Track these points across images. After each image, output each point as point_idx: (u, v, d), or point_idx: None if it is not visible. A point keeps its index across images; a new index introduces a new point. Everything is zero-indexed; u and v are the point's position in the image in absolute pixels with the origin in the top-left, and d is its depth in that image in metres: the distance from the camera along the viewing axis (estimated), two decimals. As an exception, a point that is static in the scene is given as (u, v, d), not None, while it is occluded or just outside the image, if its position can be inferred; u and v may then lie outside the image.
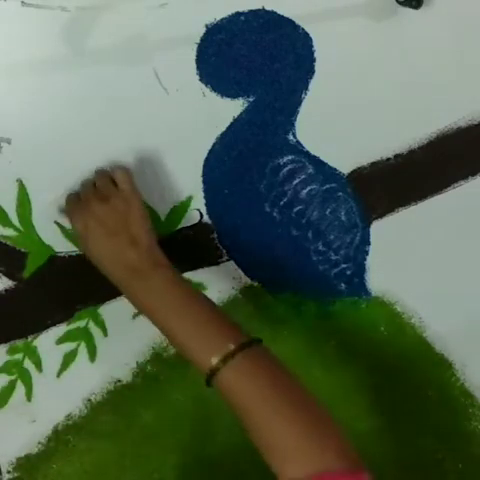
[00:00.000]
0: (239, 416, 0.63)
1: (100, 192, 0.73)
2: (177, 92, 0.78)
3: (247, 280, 0.84)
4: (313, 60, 0.79)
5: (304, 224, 0.83)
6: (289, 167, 0.81)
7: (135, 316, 0.81)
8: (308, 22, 0.78)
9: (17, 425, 0.82)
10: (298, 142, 0.81)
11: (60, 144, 0.77)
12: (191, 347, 0.65)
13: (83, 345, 0.82)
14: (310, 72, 0.79)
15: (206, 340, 0.65)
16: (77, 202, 0.74)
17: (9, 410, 0.82)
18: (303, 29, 0.78)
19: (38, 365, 0.81)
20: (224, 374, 0.63)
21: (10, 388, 0.81)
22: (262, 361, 0.65)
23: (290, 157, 0.81)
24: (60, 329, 0.81)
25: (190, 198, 0.81)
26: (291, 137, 0.80)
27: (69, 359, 0.82)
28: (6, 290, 0.79)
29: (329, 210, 0.83)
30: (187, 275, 0.82)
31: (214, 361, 0.63)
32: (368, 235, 0.84)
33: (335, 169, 0.82)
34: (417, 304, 0.86)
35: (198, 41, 0.77)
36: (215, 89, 0.78)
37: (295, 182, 0.81)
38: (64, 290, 0.80)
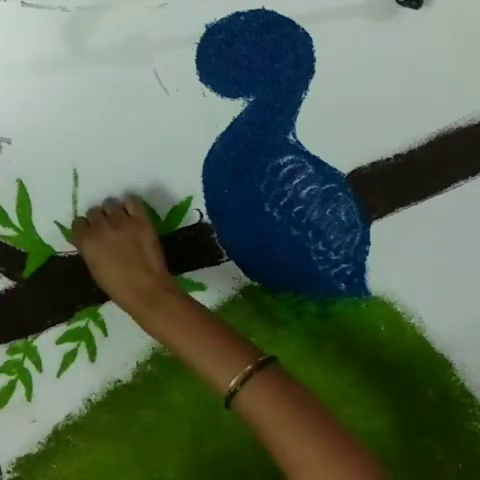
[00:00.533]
0: (260, 438, 0.62)
1: (111, 218, 0.73)
2: (177, 92, 0.78)
3: (247, 280, 0.84)
4: (313, 60, 0.79)
5: (304, 224, 0.83)
6: (289, 167, 0.81)
7: (135, 316, 0.81)
8: (308, 22, 0.78)
9: (17, 425, 0.82)
10: (298, 142, 0.81)
11: (60, 144, 0.77)
12: (208, 371, 0.64)
13: (83, 345, 0.82)
14: (310, 72, 0.79)
15: (223, 363, 0.64)
16: (86, 228, 0.73)
17: (9, 410, 0.82)
18: (303, 29, 0.78)
19: (38, 365, 0.81)
20: (242, 396, 0.62)
21: (10, 388, 0.81)
22: (279, 380, 0.64)
23: (290, 157, 0.81)
24: (60, 329, 0.81)
25: (190, 198, 0.81)
26: (291, 137, 0.80)
27: (69, 359, 0.82)
28: (6, 290, 0.79)
29: (329, 210, 0.83)
30: (187, 275, 0.82)
31: (232, 383, 0.62)
32: (368, 235, 0.84)
33: (335, 169, 0.82)
34: (417, 304, 0.86)
35: (198, 41, 0.77)
36: (215, 89, 0.78)
37: (295, 182, 0.81)
38: (64, 290, 0.80)
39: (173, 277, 0.72)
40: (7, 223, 0.78)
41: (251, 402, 0.62)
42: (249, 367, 0.63)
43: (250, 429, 0.63)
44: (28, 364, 0.81)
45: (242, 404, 0.62)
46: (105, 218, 0.73)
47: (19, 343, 0.81)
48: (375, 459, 0.61)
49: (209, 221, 0.82)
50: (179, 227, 0.81)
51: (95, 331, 0.82)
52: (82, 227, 0.74)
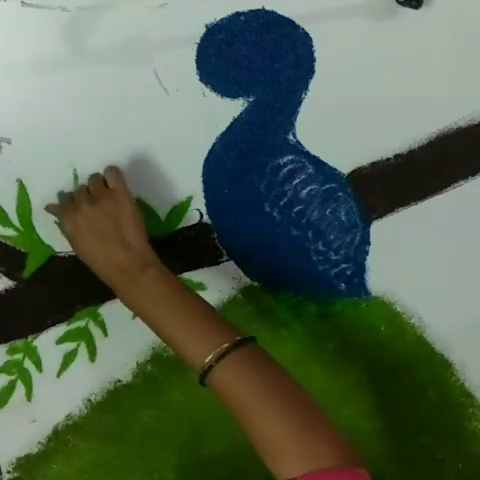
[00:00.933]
0: (233, 413, 0.63)
1: (92, 195, 0.73)
2: (177, 92, 0.78)
3: (247, 280, 0.84)
4: (313, 60, 0.79)
5: (304, 224, 0.83)
6: (289, 167, 0.81)
7: (135, 316, 0.81)
8: (308, 22, 0.78)
9: (17, 425, 0.82)
10: (298, 142, 0.81)
11: (60, 144, 0.77)
12: (184, 345, 0.65)
13: (83, 345, 0.82)
14: (310, 72, 0.79)
15: (199, 338, 0.65)
16: (69, 204, 0.74)
17: (9, 410, 0.82)
18: (303, 29, 0.78)
19: (38, 365, 0.81)
20: (216, 372, 0.63)
21: (10, 388, 0.81)
22: (255, 359, 0.65)
23: (290, 157, 0.81)
24: (60, 329, 0.81)
25: (190, 198, 0.81)
26: (291, 137, 0.80)
27: (69, 359, 0.82)
28: (6, 290, 0.79)
29: (329, 210, 0.83)
30: (187, 275, 0.82)
31: (207, 359, 0.63)
32: (368, 235, 0.84)
33: (335, 169, 0.82)
34: (417, 304, 0.86)
35: (198, 41, 0.77)
36: (215, 89, 0.78)
37: (295, 182, 0.81)
38: (64, 290, 0.80)
39: (153, 251, 0.71)
40: (7, 223, 0.78)
41: (226, 378, 0.63)
42: (226, 345, 0.63)
43: (224, 406, 0.63)
44: (28, 364, 0.81)
45: (217, 380, 0.63)
46: (86, 194, 0.73)
47: (19, 343, 0.81)
48: (347, 443, 0.61)
49: (209, 221, 0.82)
50: (179, 227, 0.81)
51: (95, 331, 0.82)
52: (65, 203, 0.75)
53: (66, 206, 0.74)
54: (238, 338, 0.64)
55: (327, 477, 0.58)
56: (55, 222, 0.78)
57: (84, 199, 0.72)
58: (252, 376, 0.63)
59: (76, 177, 0.78)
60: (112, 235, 0.70)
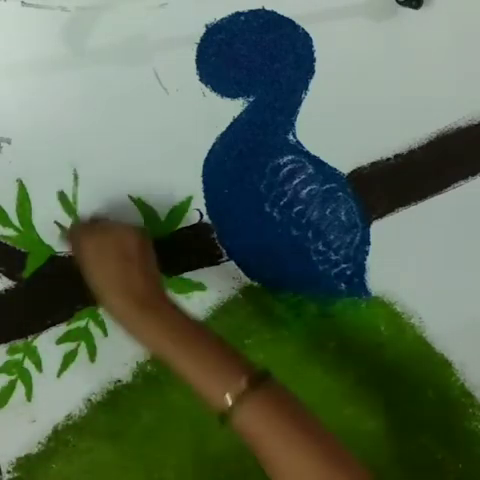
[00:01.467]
0: (256, 452, 0.61)
1: (116, 223, 0.72)
2: (177, 92, 0.78)
3: (247, 280, 0.84)
4: (313, 60, 0.79)
5: (304, 224, 0.83)
6: (289, 167, 0.81)
7: (135, 316, 0.81)
8: (308, 22, 0.78)
9: (17, 425, 0.82)
10: (298, 142, 0.81)
11: (60, 144, 0.77)
12: (201, 384, 0.63)
13: (83, 345, 0.82)
14: (310, 72, 0.79)
15: (217, 377, 0.62)
16: (89, 225, 0.72)
17: (9, 410, 0.82)
18: (303, 29, 0.78)
19: (38, 365, 0.81)
20: (238, 415, 0.61)
21: (10, 388, 0.81)
22: (276, 398, 0.63)
23: (290, 157, 0.81)
24: (60, 329, 0.81)
25: (190, 198, 0.81)
26: (291, 137, 0.80)
27: (69, 359, 0.82)
28: (6, 290, 0.79)
29: (329, 210, 0.83)
30: (187, 275, 0.82)
31: (228, 401, 0.61)
32: (368, 235, 0.84)
33: (335, 169, 0.82)
34: (417, 304, 0.86)
35: (198, 41, 0.77)
36: (215, 89, 0.78)
37: (295, 182, 0.81)
38: (64, 290, 0.80)
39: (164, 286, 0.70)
40: (7, 223, 0.78)
41: (248, 422, 0.61)
42: (244, 383, 0.61)
43: (248, 447, 0.62)
44: (28, 364, 0.81)
45: (239, 423, 0.61)
46: (108, 221, 0.73)
47: (19, 343, 0.81)
48: (365, 470, 0.61)
49: (209, 221, 0.82)
50: (179, 227, 0.81)
51: (95, 331, 0.82)
52: (84, 225, 0.74)
53: (87, 226, 0.72)
54: (254, 374, 0.62)
55: None
56: (55, 222, 0.78)
57: (110, 222, 0.71)
58: (274, 416, 0.61)
59: (76, 177, 0.78)
60: (135, 260, 0.68)
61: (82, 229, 0.73)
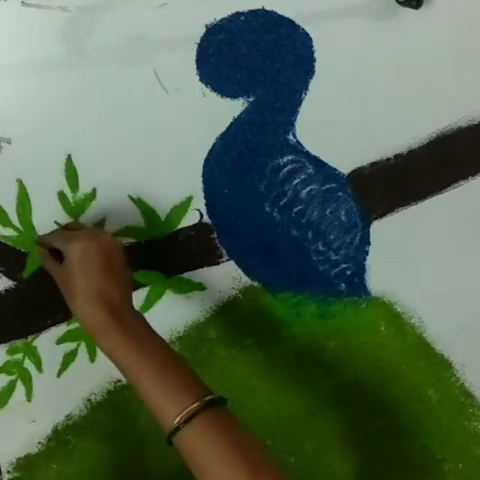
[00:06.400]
0: (196, 475, 0.62)
1: (100, 230, 0.72)
2: (177, 92, 0.78)
3: (247, 280, 0.84)
4: (313, 60, 0.79)
5: (304, 224, 0.83)
6: (289, 167, 0.81)
7: (135, 316, 0.81)
8: (308, 22, 0.78)
9: (17, 425, 0.82)
10: (298, 142, 0.81)
11: (60, 144, 0.77)
12: (156, 402, 0.63)
13: (83, 345, 0.82)
14: (310, 72, 0.79)
15: (171, 397, 0.63)
16: (75, 231, 0.72)
17: (9, 410, 0.82)
18: (303, 29, 0.78)
19: (38, 365, 0.81)
20: (184, 435, 0.62)
21: (10, 388, 0.81)
22: (222, 424, 0.63)
23: (290, 157, 0.81)
24: (60, 329, 0.81)
25: (190, 198, 0.81)
26: (291, 137, 0.80)
27: (69, 359, 0.82)
28: (6, 290, 0.79)
29: (329, 210, 0.83)
30: (187, 275, 0.82)
31: (177, 420, 0.61)
32: (368, 235, 0.84)
33: (335, 169, 0.82)
34: (417, 304, 0.86)
35: (198, 41, 0.77)
36: (215, 89, 0.78)
37: (295, 182, 0.81)
38: (64, 290, 0.80)
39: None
40: (7, 223, 0.78)
41: (192, 443, 0.62)
42: (195, 406, 0.62)
43: (188, 465, 0.62)
44: (28, 364, 0.81)
45: (183, 443, 0.62)
46: (92, 228, 0.72)
47: (19, 343, 0.81)
48: None
49: (209, 221, 0.82)
50: (179, 227, 0.81)
51: (95, 331, 0.82)
52: (69, 230, 0.73)
53: (70, 233, 0.71)
54: (207, 399, 0.63)
55: None
56: (55, 222, 0.78)
57: (98, 230, 0.71)
58: (218, 441, 0.62)
59: (76, 176, 0.78)
60: (115, 270, 0.68)
61: (67, 234, 0.72)
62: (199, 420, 0.62)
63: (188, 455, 0.62)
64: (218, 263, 0.83)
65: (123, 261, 0.70)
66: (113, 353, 0.66)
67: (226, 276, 0.83)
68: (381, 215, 0.84)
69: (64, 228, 0.76)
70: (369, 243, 0.84)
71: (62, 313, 0.81)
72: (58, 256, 0.70)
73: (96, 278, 0.67)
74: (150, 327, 0.68)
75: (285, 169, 0.81)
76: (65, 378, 0.82)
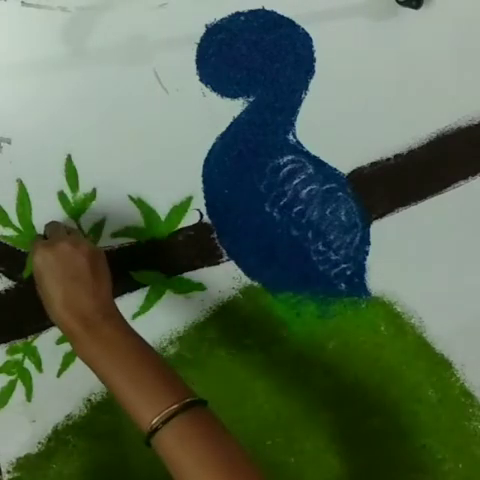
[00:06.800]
0: (174, 476, 0.61)
1: (70, 238, 0.70)
2: (177, 92, 0.78)
3: (247, 280, 0.84)
4: (313, 60, 0.79)
5: (304, 224, 0.83)
6: (289, 167, 0.81)
7: (135, 316, 0.81)
8: (308, 22, 0.78)
9: (17, 425, 0.82)
10: (298, 142, 0.81)
11: (60, 144, 0.77)
12: (133, 405, 0.63)
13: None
14: (310, 72, 0.79)
15: (149, 399, 0.62)
16: (44, 239, 0.72)
17: (9, 410, 0.82)
18: (303, 29, 0.78)
19: (38, 365, 0.81)
20: (162, 434, 0.61)
21: (10, 388, 0.81)
22: (202, 426, 0.62)
23: (290, 157, 0.81)
24: (60, 329, 0.81)
25: (190, 198, 0.81)
26: (291, 137, 0.80)
27: (69, 359, 0.82)
28: (6, 290, 0.79)
29: (329, 210, 0.83)
30: (187, 275, 0.82)
31: (154, 421, 0.61)
32: (368, 235, 0.84)
33: (335, 169, 0.82)
34: (417, 304, 0.86)
35: (198, 41, 0.77)
36: (215, 89, 0.78)
37: (295, 182, 0.81)
38: (64, 290, 0.80)
39: (114, 302, 0.69)
40: (7, 223, 0.78)
41: (169, 442, 0.61)
42: (174, 407, 0.61)
43: (167, 467, 0.61)
44: (28, 364, 0.81)
45: (160, 444, 0.61)
46: (64, 234, 0.71)
47: (19, 343, 0.81)
48: None
49: (209, 221, 0.82)
50: (179, 227, 0.81)
51: (95, 331, 0.82)
52: (41, 238, 0.73)
53: (43, 241, 0.71)
54: (187, 400, 0.62)
55: None
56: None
57: (62, 237, 0.70)
58: (195, 443, 0.61)
59: (76, 176, 0.78)
60: (83, 279, 0.67)
61: (36, 242, 0.71)
62: (177, 421, 0.61)
63: (166, 456, 0.61)
64: (218, 263, 0.83)
65: (92, 265, 0.69)
66: (85, 360, 0.66)
67: (226, 276, 0.83)
68: (381, 215, 0.84)
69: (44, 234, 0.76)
70: (369, 243, 0.84)
71: (62, 313, 0.81)
72: None
73: (58, 290, 0.67)
74: (129, 330, 0.68)
75: (285, 169, 0.81)
76: (65, 378, 0.82)
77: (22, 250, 0.79)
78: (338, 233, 0.83)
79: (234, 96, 0.79)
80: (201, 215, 0.81)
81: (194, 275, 0.83)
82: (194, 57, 0.77)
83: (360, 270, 0.85)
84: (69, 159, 0.77)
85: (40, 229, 0.78)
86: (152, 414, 0.61)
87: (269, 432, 0.85)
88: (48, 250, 0.68)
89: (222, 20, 0.77)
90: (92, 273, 0.68)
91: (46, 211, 0.78)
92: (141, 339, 0.68)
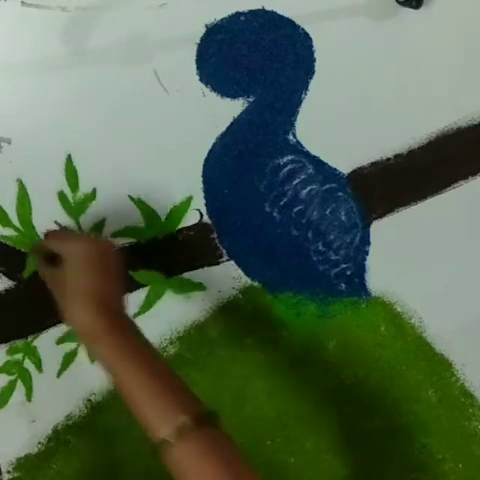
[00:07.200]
0: None
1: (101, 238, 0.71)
2: (177, 92, 0.78)
3: (247, 280, 0.84)
4: (313, 60, 0.79)
5: (304, 224, 0.83)
6: (289, 167, 0.81)
7: (135, 316, 0.81)
8: (308, 22, 0.78)
9: (17, 425, 0.82)
10: (298, 142, 0.81)
11: (60, 144, 0.77)
12: (145, 412, 0.63)
13: (83, 345, 0.82)
14: (310, 72, 0.79)
15: (162, 410, 0.62)
16: (71, 233, 0.72)
17: (9, 410, 0.82)
18: (303, 29, 0.78)
19: (38, 365, 0.81)
20: (173, 450, 0.61)
21: (10, 388, 0.81)
22: (213, 443, 0.62)
23: (290, 157, 0.81)
24: (60, 329, 0.81)
25: (190, 198, 0.81)
26: (291, 137, 0.80)
27: (69, 359, 0.82)
28: (6, 290, 0.79)
29: (329, 210, 0.83)
30: (187, 275, 0.82)
31: (166, 435, 0.61)
32: (368, 235, 0.84)
33: (335, 169, 0.82)
34: (417, 304, 0.86)
35: (198, 41, 0.77)
36: (215, 89, 0.78)
37: (295, 182, 0.81)
38: (64, 290, 0.80)
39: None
40: (7, 223, 0.78)
41: (181, 458, 0.61)
42: (187, 422, 0.61)
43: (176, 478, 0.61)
44: (28, 364, 0.81)
45: (172, 457, 0.61)
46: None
47: (19, 343, 0.81)
48: None
49: (209, 221, 0.82)
50: (179, 227, 0.81)
51: (95, 331, 0.82)
52: (64, 232, 0.73)
53: (68, 234, 0.71)
54: (199, 414, 0.62)
55: None
56: (55, 222, 0.78)
57: (99, 234, 0.70)
58: (207, 466, 0.61)
59: (76, 176, 0.78)
60: (113, 274, 0.68)
61: (64, 235, 0.72)
62: (190, 437, 0.61)
63: (176, 469, 0.61)
64: (218, 263, 0.83)
65: (119, 266, 0.69)
66: (106, 360, 0.65)
67: (226, 276, 0.83)
68: (381, 215, 0.84)
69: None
70: (369, 243, 0.84)
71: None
72: (52, 261, 0.70)
73: (97, 279, 0.67)
74: (143, 335, 0.67)
75: (285, 169, 0.81)
76: (65, 378, 0.82)
77: (22, 250, 0.79)
78: (338, 233, 0.83)
79: (234, 96, 0.79)
80: (201, 215, 0.81)
81: (194, 275, 0.83)
82: (194, 57, 0.77)
83: (360, 270, 0.85)
84: (69, 159, 0.77)
85: (40, 229, 0.78)
86: (163, 426, 0.61)
87: (269, 432, 0.85)
88: (87, 242, 0.68)
89: (222, 20, 0.77)
90: (120, 271, 0.69)
91: (46, 211, 0.78)
92: (155, 348, 0.68)
